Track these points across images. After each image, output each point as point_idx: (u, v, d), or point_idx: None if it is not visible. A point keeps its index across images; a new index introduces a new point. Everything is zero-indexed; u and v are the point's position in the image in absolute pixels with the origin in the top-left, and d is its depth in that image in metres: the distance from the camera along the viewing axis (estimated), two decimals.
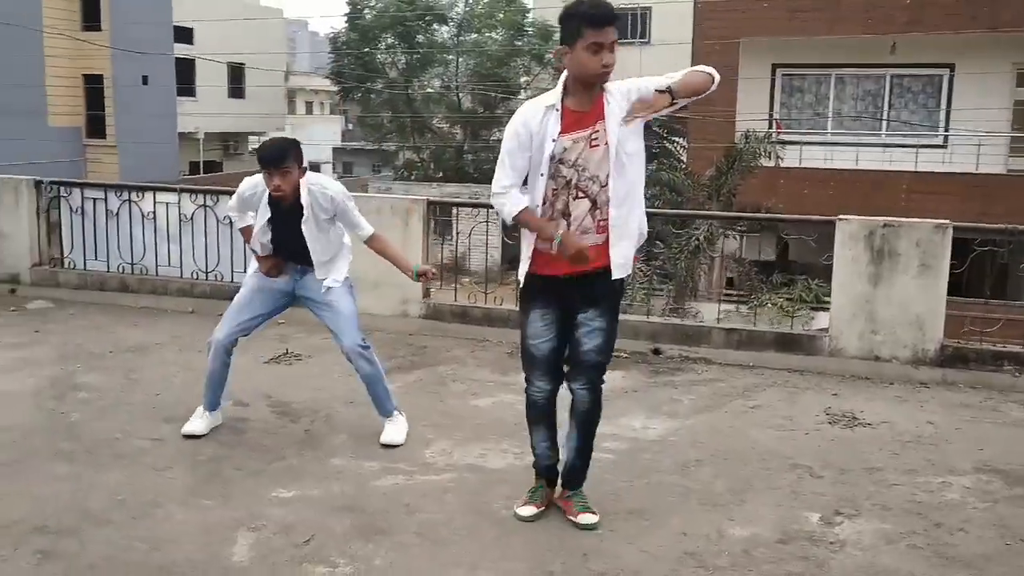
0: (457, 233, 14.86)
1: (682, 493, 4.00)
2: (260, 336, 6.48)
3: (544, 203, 3.46)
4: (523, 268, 3.58)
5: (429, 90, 32.87)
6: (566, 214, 3.44)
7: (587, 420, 3.67)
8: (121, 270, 7.58)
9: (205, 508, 3.74)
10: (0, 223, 7.75)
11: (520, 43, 30.28)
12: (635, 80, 3.39)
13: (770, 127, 18.17)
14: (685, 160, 20.42)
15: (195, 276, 7.46)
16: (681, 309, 13.58)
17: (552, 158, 3.39)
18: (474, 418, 4.94)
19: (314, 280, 4.51)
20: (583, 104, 3.37)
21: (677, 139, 23.28)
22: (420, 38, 31.04)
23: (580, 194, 3.42)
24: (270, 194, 4.34)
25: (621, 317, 6.80)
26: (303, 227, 4.37)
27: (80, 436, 4.50)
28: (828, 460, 4.39)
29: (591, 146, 3.37)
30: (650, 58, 25.35)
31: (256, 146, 37.28)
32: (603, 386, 3.65)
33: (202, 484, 3.98)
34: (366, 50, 31.23)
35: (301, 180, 4.33)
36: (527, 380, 3.69)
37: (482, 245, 15.37)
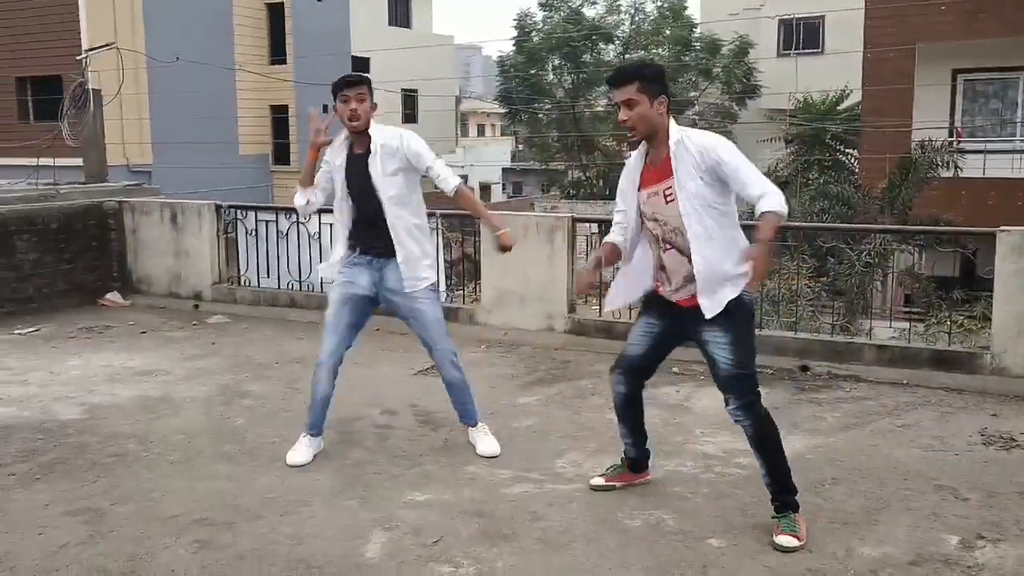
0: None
1: (811, 510, 3.90)
2: (413, 348, 6.80)
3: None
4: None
5: (596, 109, 33.05)
6: (662, 267, 3.71)
7: (758, 441, 3.68)
8: (290, 287, 8.11)
9: (346, 508, 3.99)
10: (186, 244, 8.47)
11: (687, 58, 29.99)
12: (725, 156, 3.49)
13: (950, 135, 17.23)
14: (857, 172, 19.65)
15: None
16: (853, 327, 13.06)
17: (639, 211, 3.69)
18: (608, 431, 4.98)
19: (396, 274, 4.42)
20: (655, 158, 3.63)
21: (849, 151, 22.44)
22: (587, 57, 31.30)
23: (668, 247, 3.65)
24: (348, 144, 4.37)
25: (765, 333, 6.74)
26: (372, 174, 4.29)
27: (243, 439, 4.88)
28: (977, 482, 4.18)
29: (668, 201, 3.57)
30: (823, 67, 24.60)
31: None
32: (758, 403, 3.65)
33: (345, 486, 4.23)
34: (532, 72, 31.77)
35: (372, 125, 4.32)
36: (611, 370, 4.02)
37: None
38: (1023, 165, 16.65)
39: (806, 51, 27.33)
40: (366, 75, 4.37)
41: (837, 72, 23.06)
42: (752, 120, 27.59)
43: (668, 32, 31.02)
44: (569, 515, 3.89)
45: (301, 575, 3.39)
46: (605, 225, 10.75)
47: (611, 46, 32.28)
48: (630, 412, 4.04)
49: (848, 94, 22.61)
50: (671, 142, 3.55)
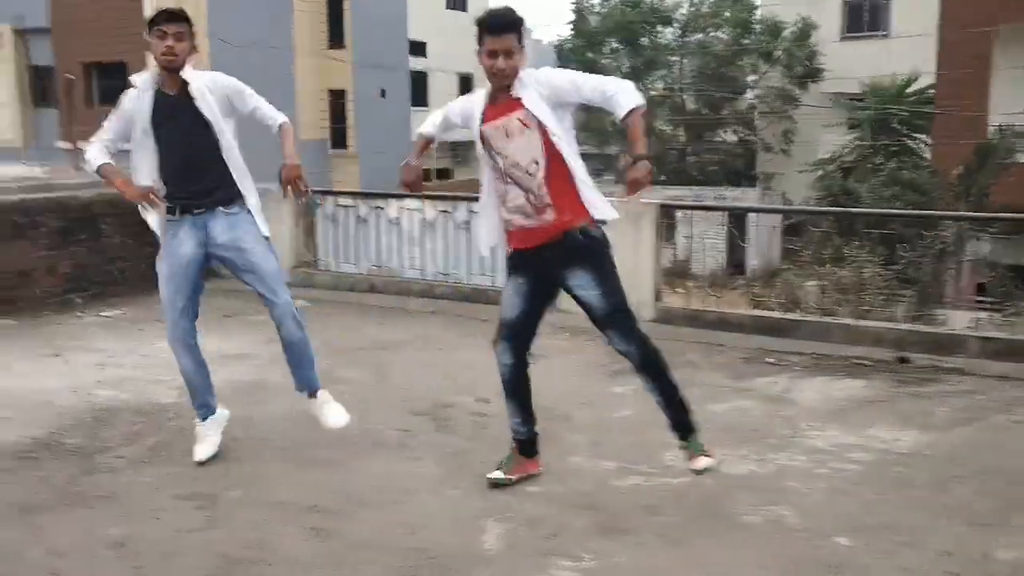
0: (687, 236, 14.75)
1: (940, 510, 3.77)
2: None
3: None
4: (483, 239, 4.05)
5: (652, 93, 32.70)
6: (503, 199, 3.76)
7: (645, 364, 3.78)
8: (369, 272, 8.10)
9: (453, 498, 3.94)
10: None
11: (747, 41, 29.52)
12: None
13: None
14: (925, 158, 19.18)
15: (436, 278, 7.85)
16: (926, 316, 12.77)
17: (483, 141, 3.74)
18: (711, 423, 4.84)
19: (224, 226, 4.09)
20: (500, 98, 3.70)
21: (919, 136, 21.91)
22: (644, 41, 30.97)
23: (509, 180, 3.71)
24: (156, 86, 3.98)
25: (861, 323, 6.59)
26: (190, 120, 3.95)
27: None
28: None
29: (507, 136, 3.66)
30: (889, 52, 24.01)
31: None
32: (637, 327, 3.76)
33: (450, 475, 4.18)
34: (589, 55, 31.52)
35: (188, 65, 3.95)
36: (492, 344, 4.05)
37: (707, 248, 15.15)
38: None
39: (871, 33, 26.72)
40: (183, 12, 4.03)
41: (903, 55, 22.53)
42: (814, 104, 27.04)
43: (728, 14, 30.55)
44: (685, 510, 3.80)
45: (422, 565, 3.35)
46: (694, 212, 10.60)
47: (669, 29, 31.90)
48: (519, 386, 4.06)
49: (917, 77, 22.07)
50: (516, 82, 3.64)
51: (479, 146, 3.81)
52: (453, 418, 4.97)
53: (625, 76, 31.77)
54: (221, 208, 4.12)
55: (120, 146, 4.14)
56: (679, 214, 10.99)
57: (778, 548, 3.46)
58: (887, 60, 23.25)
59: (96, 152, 4.12)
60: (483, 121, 3.75)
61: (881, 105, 21.99)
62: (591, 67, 31.53)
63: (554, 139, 3.61)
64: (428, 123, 4.08)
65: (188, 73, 4.01)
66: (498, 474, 4.01)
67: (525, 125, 3.63)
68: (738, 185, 28.40)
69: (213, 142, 4.05)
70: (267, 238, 4.26)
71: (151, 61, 4.05)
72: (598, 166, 41.40)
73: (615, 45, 31.83)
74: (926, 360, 5.87)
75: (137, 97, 4.03)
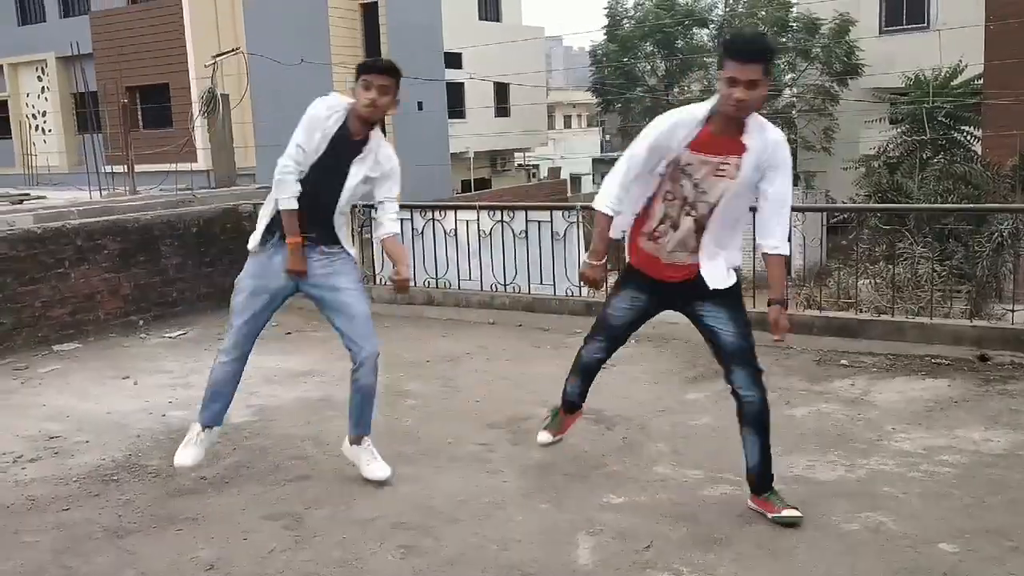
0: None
1: None
2: (562, 345, 6.71)
3: (665, 203, 3.65)
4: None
5: (689, 95, 32.50)
6: (675, 226, 3.63)
7: (762, 416, 3.67)
8: (427, 284, 8.08)
9: (541, 511, 3.88)
10: None
11: (784, 39, 29.20)
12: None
13: None
14: (979, 150, 18.82)
15: (494, 288, 7.81)
16: (985, 312, 12.49)
17: (677, 165, 3.53)
18: (792, 428, 4.78)
19: (320, 260, 4.03)
20: (723, 131, 3.46)
21: (966, 128, 21.50)
22: (680, 43, 30.80)
23: (691, 212, 3.58)
24: (344, 119, 3.94)
25: (938, 321, 6.43)
26: (351, 170, 3.94)
27: (417, 440, 4.83)
28: None
29: (716, 174, 3.50)
30: (932, 44, 23.62)
31: (520, 162, 38.62)
32: (761, 374, 3.68)
33: (534, 488, 4.13)
34: (625, 60, 31.41)
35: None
36: (586, 339, 4.05)
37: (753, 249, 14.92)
38: None
39: (912, 26, 26.32)
40: (398, 67, 4.00)
41: (946, 47, 22.13)
42: (856, 100, 26.67)
43: (764, 13, 30.27)
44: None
45: None
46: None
47: (705, 30, 31.69)
48: (591, 372, 4.14)
49: (963, 69, 21.68)
50: (752, 123, 3.47)
51: (664, 165, 3.56)
52: (529, 431, 4.89)
53: (661, 79, 31.74)
54: (323, 246, 4.05)
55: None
56: None
57: (882, 556, 3.36)
58: (929, 53, 22.84)
59: (294, 189, 3.98)
60: (692, 147, 3.49)
61: (926, 98, 21.62)
62: (626, 72, 31.46)
63: (738, 201, 3.57)
64: (606, 194, 3.67)
65: (375, 131, 4.03)
66: (546, 436, 4.31)
67: (737, 172, 3.49)
68: None
69: (339, 195, 4.01)
70: (361, 281, 4.28)
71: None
72: None
73: (650, 49, 31.65)
74: (1006, 357, 5.72)
75: (327, 118, 3.97)
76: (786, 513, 3.59)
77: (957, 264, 14.02)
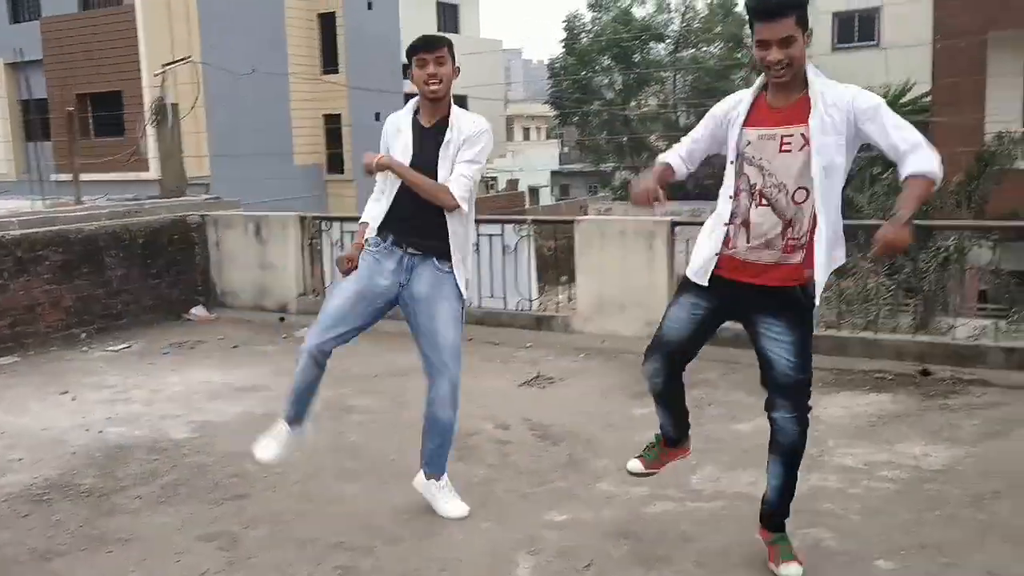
0: (681, 252, 14.66)
1: (980, 528, 3.69)
2: (512, 359, 6.68)
3: (733, 200, 3.18)
4: (694, 262, 3.30)
5: (646, 109, 32.80)
6: (746, 222, 3.15)
7: (791, 453, 3.30)
8: None
9: (484, 530, 3.85)
10: (271, 256, 8.42)
11: (739, 55, 29.61)
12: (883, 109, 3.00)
13: None
14: None
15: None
16: (931, 326, 12.70)
17: (738, 151, 3.13)
18: (737, 443, 4.80)
19: (428, 279, 3.74)
20: (779, 100, 3.07)
21: None
22: (637, 57, 31.08)
23: (764, 201, 3.10)
24: (414, 112, 3.76)
25: (882, 336, 6.50)
26: (439, 163, 3.68)
27: (361, 456, 4.77)
28: None
29: (781, 149, 3.04)
30: (882, 62, 24.08)
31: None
32: (807, 414, 3.27)
33: (478, 506, 4.08)
34: (583, 74, 31.62)
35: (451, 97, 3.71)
36: (643, 362, 3.47)
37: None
38: None
39: (863, 44, 26.81)
40: (447, 36, 3.77)
41: (895, 65, 22.58)
42: None
43: (719, 29, 30.68)
44: (722, 536, 3.71)
45: None
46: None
47: (661, 45, 32.02)
48: (673, 398, 3.54)
49: (911, 87, 22.12)
50: (810, 86, 3.02)
51: (731, 152, 3.16)
52: (477, 446, 4.88)
53: (618, 93, 32.00)
54: (435, 259, 3.76)
55: None
56: (678, 229, 10.91)
57: (820, 574, 3.36)
58: (880, 70, 23.29)
59: (368, 209, 3.87)
60: (749, 123, 3.11)
61: None
62: (584, 85, 31.66)
63: (826, 174, 3.01)
64: (673, 152, 3.41)
65: (454, 109, 3.77)
66: (636, 464, 3.71)
67: (806, 142, 3.01)
68: None
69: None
70: (462, 307, 3.87)
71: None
72: (594, 183, 41.53)
73: (607, 63, 31.90)
74: (948, 372, 5.80)
75: (393, 125, 3.85)
76: (783, 572, 3.29)
77: (905, 278, 14.22)
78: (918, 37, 19.50)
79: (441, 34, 3.82)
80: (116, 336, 7.79)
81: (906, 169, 2.94)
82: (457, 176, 3.69)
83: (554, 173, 46.57)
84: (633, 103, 32.32)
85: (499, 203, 31.75)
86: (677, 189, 30.13)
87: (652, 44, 31.82)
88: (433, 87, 3.65)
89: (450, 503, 3.97)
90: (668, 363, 3.41)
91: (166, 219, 8.54)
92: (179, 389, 6.17)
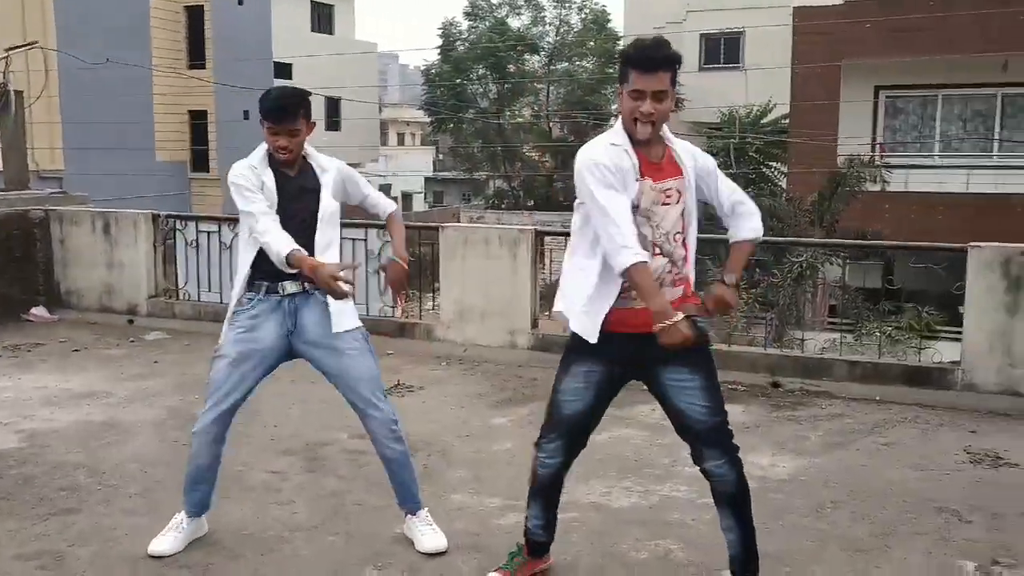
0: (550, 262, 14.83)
1: (821, 537, 3.80)
2: None
3: None
4: (581, 320, 3.07)
5: (520, 119, 33.08)
6: None
7: (738, 502, 3.16)
8: None
9: (330, 544, 3.71)
10: (120, 255, 7.99)
11: (611, 70, 30.20)
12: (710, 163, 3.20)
13: (873, 151, 17.66)
14: (784, 186, 20.00)
15: None
16: (785, 339, 13.22)
17: (633, 204, 2.99)
18: (592, 453, 4.73)
19: (317, 318, 3.51)
20: (654, 154, 3.03)
21: (774, 164, 22.87)
22: (511, 68, 31.31)
23: (657, 251, 3.03)
24: (273, 166, 3.52)
25: (736, 349, 6.67)
26: (320, 204, 3.49)
27: None
28: (975, 503, 4.13)
29: (665, 202, 3.03)
30: (745, 84, 25.03)
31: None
32: (737, 453, 3.14)
33: (325, 519, 3.95)
34: (458, 81, 31.63)
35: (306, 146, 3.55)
36: (536, 444, 3.30)
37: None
38: (942, 180, 17.15)
39: (727, 66, 27.81)
40: (300, 95, 3.54)
41: (756, 87, 23.53)
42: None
43: (592, 44, 31.24)
44: (571, 548, 3.68)
45: None
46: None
47: (536, 57, 32.36)
48: (553, 490, 3.35)
49: (771, 108, 23.09)
50: (667, 139, 3.07)
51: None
52: (328, 457, 4.73)
53: (493, 102, 32.15)
54: (317, 292, 3.47)
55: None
56: (547, 239, 10.97)
57: None
58: (742, 91, 24.21)
59: (280, 235, 3.38)
60: (642, 175, 3.00)
61: (737, 134, 22.86)
62: (459, 93, 31.67)
63: (689, 219, 3.08)
64: (628, 243, 2.93)
65: (308, 152, 3.59)
66: None
67: (680, 194, 3.05)
68: None
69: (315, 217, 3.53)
70: (363, 333, 3.64)
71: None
72: (468, 191, 41.59)
73: (482, 71, 32.01)
74: (797, 384, 6.00)
75: (252, 170, 3.54)
76: None
77: (762, 293, 14.76)
78: (779, 61, 20.37)
79: (294, 89, 3.60)
80: None
81: (741, 232, 3.16)
82: (373, 191, 3.76)
83: (428, 180, 46.41)
84: (507, 113, 32.52)
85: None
86: (548, 200, 30.32)
87: (527, 55, 32.12)
88: (283, 156, 3.47)
89: (426, 536, 3.66)
90: (569, 443, 3.26)
91: (5, 213, 7.98)
92: (9, 395, 5.76)
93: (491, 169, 33.85)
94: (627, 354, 3.06)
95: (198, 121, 26.46)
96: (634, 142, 3.00)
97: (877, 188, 16.12)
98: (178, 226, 7.92)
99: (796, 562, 3.55)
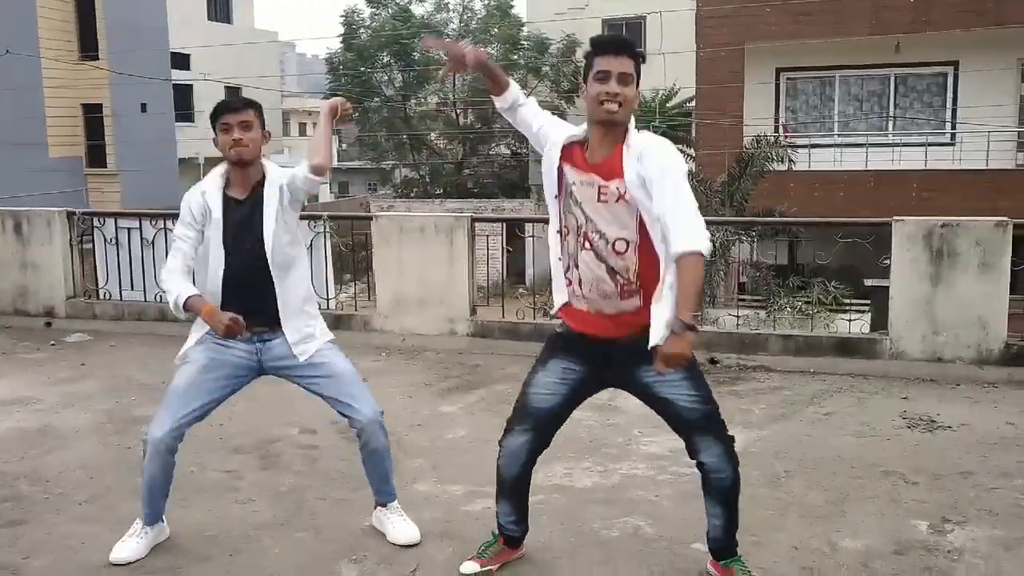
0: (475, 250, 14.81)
1: (780, 506, 3.92)
2: None
3: (560, 237, 3.07)
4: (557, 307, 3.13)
5: (426, 107, 32.84)
6: (576, 263, 3.01)
7: (730, 491, 3.13)
8: (159, 299, 7.48)
9: (299, 541, 3.65)
10: (33, 256, 7.66)
11: (516, 57, 30.25)
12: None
13: (776, 131, 18.17)
14: (694, 167, 20.41)
15: None
16: (699, 316, 13.54)
17: (562, 188, 3.00)
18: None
19: (284, 350, 3.46)
20: (601, 148, 2.95)
21: (681, 147, 23.34)
22: (416, 55, 31.04)
23: (587, 245, 2.97)
24: (225, 183, 3.44)
25: None
26: (264, 225, 3.38)
27: None
28: (918, 465, 4.33)
29: (599, 200, 2.93)
30: (647, 66, 25.45)
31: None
32: (733, 443, 3.10)
33: (290, 516, 3.88)
34: (362, 69, 31.20)
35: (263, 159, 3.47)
36: (504, 435, 3.24)
37: (488, 259, 15.31)
38: (842, 159, 17.79)
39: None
40: (253, 100, 3.54)
41: (659, 70, 23.95)
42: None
43: (496, 30, 31.20)
44: (542, 529, 3.70)
45: None
46: (505, 224, 10.54)
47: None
48: (521, 485, 3.29)
49: (676, 92, 23.53)
50: (629, 137, 2.92)
51: (553, 186, 3.04)
52: (280, 452, 4.65)
53: (398, 91, 31.84)
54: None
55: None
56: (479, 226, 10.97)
57: (642, 560, 3.45)
58: (646, 76, 24.62)
59: (178, 282, 3.38)
60: (570, 160, 2.98)
61: (645, 116, 23.22)
62: (364, 81, 31.26)
63: (648, 222, 2.88)
64: (519, 94, 3.20)
65: (264, 166, 3.48)
66: (472, 566, 3.31)
67: (622, 197, 2.90)
68: (513, 197, 29.05)
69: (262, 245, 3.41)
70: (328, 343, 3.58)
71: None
72: (374, 180, 41.11)
73: (386, 59, 31.65)
74: (734, 360, 6.16)
75: (201, 196, 3.42)
76: None
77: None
78: (682, 46, 20.74)
79: (246, 97, 3.58)
80: None
81: (675, 246, 2.73)
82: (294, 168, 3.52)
83: (332, 170, 45.70)
84: (413, 100, 32.25)
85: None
86: (458, 187, 30.21)
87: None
88: (238, 153, 3.37)
89: (398, 527, 3.62)
90: (536, 437, 3.18)
91: None
92: None
93: (398, 157, 33.54)
94: (601, 359, 3.05)
95: (93, 115, 25.45)
96: (591, 129, 2.98)
97: (784, 168, 16.60)
98: (96, 223, 7.64)
99: (761, 530, 3.66)
